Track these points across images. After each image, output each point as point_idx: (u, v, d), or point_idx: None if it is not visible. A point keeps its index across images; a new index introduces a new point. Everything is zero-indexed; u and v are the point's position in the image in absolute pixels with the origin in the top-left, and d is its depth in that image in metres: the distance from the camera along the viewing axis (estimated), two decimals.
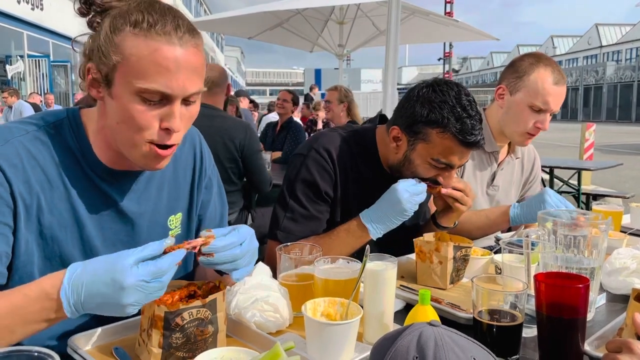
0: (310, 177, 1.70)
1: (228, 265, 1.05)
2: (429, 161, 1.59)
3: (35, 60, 16.49)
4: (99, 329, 1.10)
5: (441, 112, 1.54)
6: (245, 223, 3.57)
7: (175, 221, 1.33)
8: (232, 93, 4.49)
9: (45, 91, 15.63)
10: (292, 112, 5.83)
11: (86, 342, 1.08)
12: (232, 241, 1.04)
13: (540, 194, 1.88)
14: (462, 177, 2.18)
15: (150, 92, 1.02)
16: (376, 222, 1.59)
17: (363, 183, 1.74)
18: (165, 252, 0.95)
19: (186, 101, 1.08)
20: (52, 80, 17.19)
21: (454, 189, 1.65)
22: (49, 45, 17.44)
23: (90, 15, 1.10)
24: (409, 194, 1.55)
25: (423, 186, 1.59)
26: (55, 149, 1.13)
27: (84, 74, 1.10)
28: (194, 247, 1.00)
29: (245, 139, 3.39)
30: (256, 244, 1.12)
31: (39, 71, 16.67)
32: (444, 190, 1.64)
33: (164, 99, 1.04)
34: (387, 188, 1.61)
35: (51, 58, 17.19)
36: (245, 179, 3.63)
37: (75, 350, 1.04)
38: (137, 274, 0.91)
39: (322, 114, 7.80)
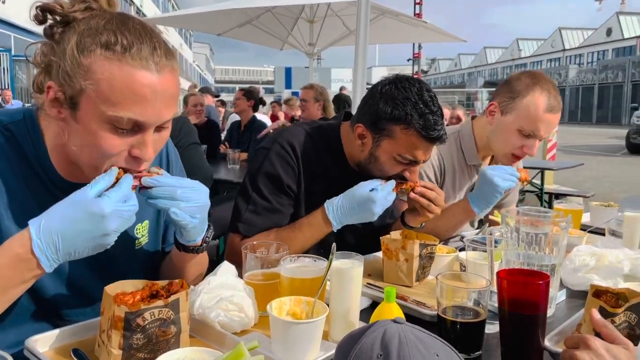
0: (273, 171, 1.69)
1: (166, 201, 1.07)
2: (394, 157, 1.61)
3: None
4: (57, 331, 1.07)
5: (404, 108, 1.55)
6: None
7: (142, 229, 1.31)
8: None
9: (6, 86, 15.15)
10: (249, 107, 5.75)
11: (43, 344, 1.05)
12: (176, 181, 1.07)
13: (483, 176, 1.83)
14: (441, 187, 2.12)
15: (121, 120, 0.96)
16: (341, 218, 1.59)
17: (327, 178, 1.74)
18: (116, 180, 0.99)
19: (159, 127, 1.04)
20: (14, 76, 16.66)
21: (424, 196, 1.66)
22: (10, 39, 16.90)
23: (48, 24, 1.03)
24: (382, 207, 1.57)
25: (392, 185, 1.60)
26: (10, 153, 1.08)
27: (40, 89, 1.04)
28: (139, 176, 1.04)
29: (175, 131, 3.31)
30: (207, 201, 1.13)
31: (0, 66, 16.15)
32: (412, 195, 1.65)
33: (137, 127, 0.99)
34: (351, 183, 1.62)
35: (12, 52, 16.67)
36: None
37: (32, 353, 1.01)
38: (110, 201, 0.93)
39: (282, 113, 7.80)
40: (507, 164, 2.11)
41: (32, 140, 1.10)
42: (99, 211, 0.92)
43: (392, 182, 1.61)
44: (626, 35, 49.56)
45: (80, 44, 0.96)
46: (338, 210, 1.59)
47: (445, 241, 1.98)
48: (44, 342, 1.05)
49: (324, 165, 1.75)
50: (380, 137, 1.61)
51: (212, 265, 1.34)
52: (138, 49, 0.97)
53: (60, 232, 0.92)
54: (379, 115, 1.59)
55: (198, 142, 3.59)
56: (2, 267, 0.93)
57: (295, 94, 13.75)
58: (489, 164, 2.24)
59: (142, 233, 1.31)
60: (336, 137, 1.78)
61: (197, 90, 8.44)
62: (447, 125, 1.76)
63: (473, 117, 2.22)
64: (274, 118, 9.75)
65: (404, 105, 1.56)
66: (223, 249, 3.89)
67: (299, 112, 8.63)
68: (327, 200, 1.61)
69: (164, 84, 0.99)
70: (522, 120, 1.95)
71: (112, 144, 0.99)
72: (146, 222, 1.32)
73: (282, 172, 1.69)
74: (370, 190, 1.56)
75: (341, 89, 9.91)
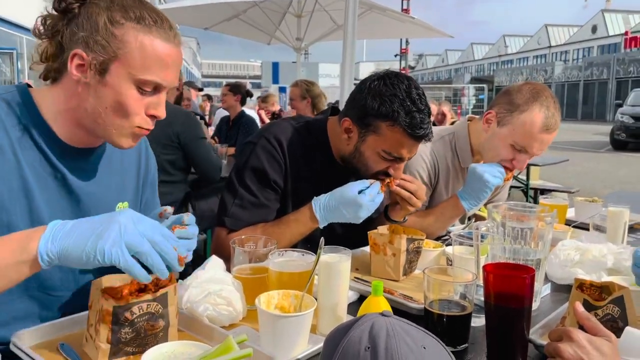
0: (260, 165, 1.69)
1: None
2: (379, 153, 1.61)
3: None
4: (44, 325, 1.07)
5: (391, 105, 1.55)
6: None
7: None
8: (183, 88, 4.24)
9: None
10: (237, 102, 5.69)
11: (30, 339, 1.04)
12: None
13: (473, 173, 1.86)
14: (434, 190, 2.14)
15: (149, 83, 1.12)
16: (327, 216, 1.60)
17: (314, 173, 1.74)
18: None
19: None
20: None
21: (406, 189, 1.67)
22: None
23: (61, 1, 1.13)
24: (368, 211, 1.56)
25: (377, 186, 1.59)
26: (6, 120, 1.13)
27: (47, 58, 1.14)
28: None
29: (183, 125, 3.33)
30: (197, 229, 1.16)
31: None
32: (393, 188, 1.66)
33: (155, 89, 1.15)
34: (338, 178, 1.62)
35: None
36: (188, 172, 3.61)
37: (17, 347, 1.00)
38: (131, 214, 0.95)
39: (262, 109, 7.76)
40: None
41: (28, 109, 1.17)
42: (112, 214, 0.95)
43: (377, 184, 1.60)
44: (611, 33, 50.09)
45: (111, 18, 1.10)
46: (324, 209, 1.59)
47: (437, 238, 1.99)
48: (30, 337, 1.05)
49: (311, 160, 1.75)
50: (366, 133, 1.62)
51: (200, 260, 1.34)
52: (161, 24, 1.13)
53: (76, 220, 0.96)
54: (366, 110, 1.60)
55: (204, 135, 3.61)
56: (14, 235, 0.96)
57: (282, 89, 13.69)
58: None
59: None
60: (323, 131, 1.79)
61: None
62: (432, 121, 1.76)
63: (470, 119, 2.19)
64: (259, 113, 9.70)
65: (391, 102, 1.56)
66: (210, 242, 3.92)
67: (277, 108, 8.59)
68: (315, 198, 1.61)
69: (178, 54, 1.17)
70: (516, 136, 1.91)
71: (136, 105, 1.13)
72: (126, 203, 1.36)
73: (268, 167, 1.69)
74: (359, 193, 1.55)
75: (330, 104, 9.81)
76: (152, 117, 1.17)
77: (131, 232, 0.91)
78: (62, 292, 1.22)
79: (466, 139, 2.13)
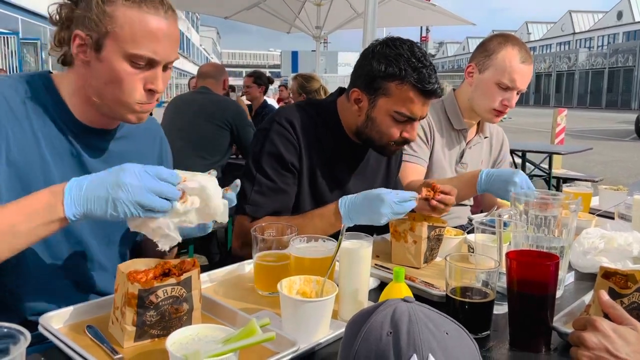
0: (275, 150, 1.69)
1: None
2: (391, 115, 1.62)
3: (4, 38, 15.91)
4: (71, 308, 1.09)
5: (398, 64, 1.58)
6: None
7: None
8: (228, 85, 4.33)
9: (15, 69, 15.15)
10: (261, 93, 5.71)
11: (58, 321, 1.07)
12: None
13: (511, 172, 1.85)
14: (431, 154, 2.24)
15: (139, 57, 1.15)
16: (351, 213, 1.54)
17: (327, 152, 1.75)
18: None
19: (165, 67, 1.22)
20: (22, 59, 16.65)
21: (444, 192, 1.60)
22: (18, 22, 16.88)
23: None
24: (392, 212, 1.47)
25: (411, 204, 1.50)
26: (26, 98, 1.21)
27: (60, 43, 1.21)
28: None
29: (235, 113, 3.86)
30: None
31: (8, 49, 16.11)
32: (433, 203, 1.58)
33: (149, 64, 1.18)
34: (351, 156, 1.60)
35: (20, 35, 16.64)
36: (225, 157, 3.93)
37: (47, 329, 1.03)
38: (139, 168, 1.02)
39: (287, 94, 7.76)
40: (491, 121, 2.27)
41: (47, 90, 1.25)
42: (121, 167, 1.02)
43: (413, 193, 1.51)
44: (637, 19, 48.83)
45: None
46: (349, 205, 1.54)
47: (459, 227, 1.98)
48: (58, 318, 1.07)
49: (324, 140, 1.74)
50: (375, 97, 1.63)
51: (222, 247, 1.35)
52: (152, 0, 1.16)
53: (89, 178, 1.03)
54: (373, 74, 1.61)
55: (250, 123, 3.98)
56: (36, 198, 1.02)
57: None
58: (477, 131, 2.36)
59: None
60: (333, 111, 1.79)
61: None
62: None
63: (454, 89, 2.34)
64: (280, 102, 9.72)
65: (397, 61, 1.58)
66: (231, 229, 3.99)
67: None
68: (343, 196, 1.58)
69: (170, 29, 1.19)
70: (499, 74, 2.10)
71: (130, 79, 1.17)
72: None
73: (284, 150, 1.69)
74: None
75: None
76: (150, 91, 1.20)
77: (139, 192, 0.99)
78: (73, 269, 1.29)
79: (453, 102, 2.28)
